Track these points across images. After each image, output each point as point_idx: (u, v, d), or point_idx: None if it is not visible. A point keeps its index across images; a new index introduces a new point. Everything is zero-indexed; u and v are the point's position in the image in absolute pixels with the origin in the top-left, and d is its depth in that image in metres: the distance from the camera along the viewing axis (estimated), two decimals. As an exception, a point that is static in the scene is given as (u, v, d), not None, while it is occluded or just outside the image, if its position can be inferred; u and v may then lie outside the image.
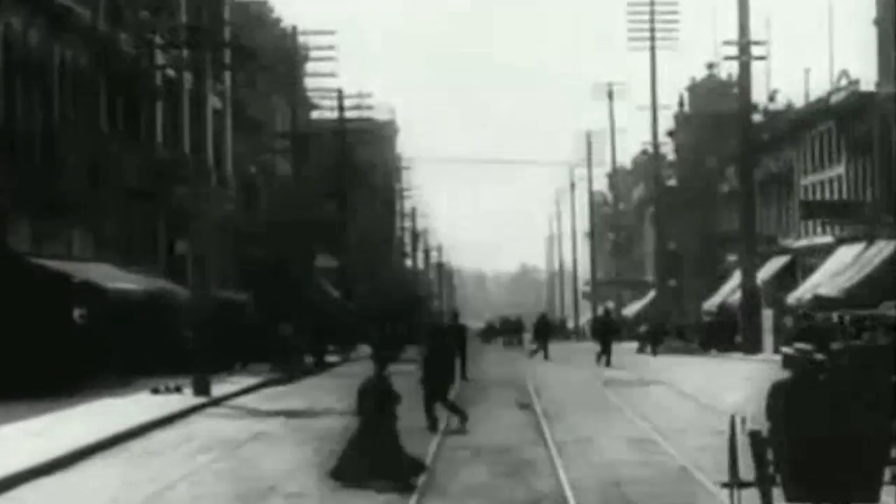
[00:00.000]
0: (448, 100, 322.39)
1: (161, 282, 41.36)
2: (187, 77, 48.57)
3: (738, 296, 61.33)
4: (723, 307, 67.33)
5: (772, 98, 71.39)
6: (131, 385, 32.55)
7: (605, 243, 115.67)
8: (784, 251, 64.73)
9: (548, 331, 58.16)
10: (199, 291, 31.31)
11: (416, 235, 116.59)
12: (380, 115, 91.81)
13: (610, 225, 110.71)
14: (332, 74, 56.99)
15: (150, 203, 44.65)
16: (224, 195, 54.77)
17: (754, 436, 12.71)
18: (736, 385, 33.27)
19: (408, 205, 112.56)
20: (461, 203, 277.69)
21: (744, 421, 12.97)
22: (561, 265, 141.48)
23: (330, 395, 32.52)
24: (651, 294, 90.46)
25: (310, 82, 60.50)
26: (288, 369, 41.33)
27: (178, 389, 31.18)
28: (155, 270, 43.64)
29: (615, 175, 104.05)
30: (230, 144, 57.29)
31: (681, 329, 68.06)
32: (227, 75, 56.93)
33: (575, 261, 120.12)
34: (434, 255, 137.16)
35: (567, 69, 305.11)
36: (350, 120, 65.55)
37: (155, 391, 31.08)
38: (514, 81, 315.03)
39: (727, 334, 57.66)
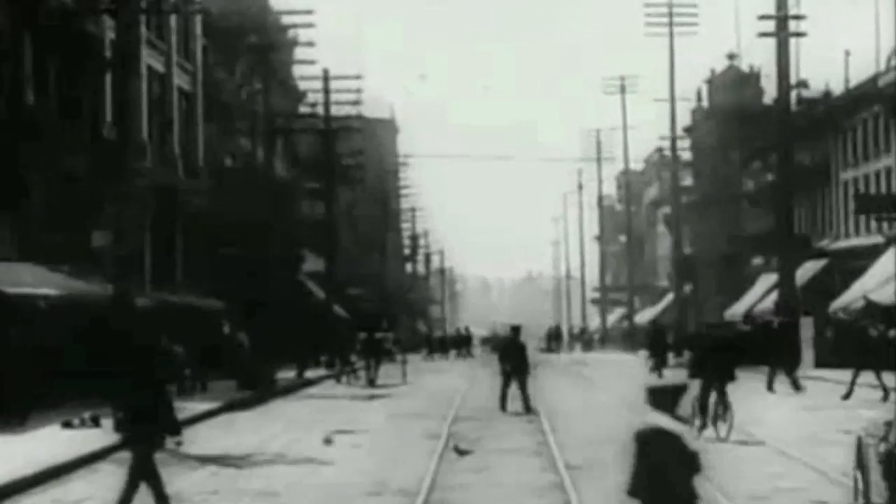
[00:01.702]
0: (448, 97, 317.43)
1: (102, 285, 34.69)
2: (143, 50, 42.43)
3: (767, 303, 55.25)
4: (749, 315, 61.26)
5: (803, 84, 64.81)
6: (43, 415, 25.75)
7: (615, 247, 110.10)
8: (821, 254, 58.43)
9: (665, 345, 49.35)
10: (121, 296, 24.42)
11: (415, 237, 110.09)
12: (378, 114, 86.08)
13: (620, 227, 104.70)
14: (310, 44, 50.63)
15: (95, 192, 38.12)
16: (194, 187, 48.45)
17: (890, 456, 11.89)
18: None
19: (408, 206, 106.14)
20: (464, 207, 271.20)
21: (884, 438, 12.05)
22: (568, 270, 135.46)
23: (292, 429, 25.82)
24: (666, 300, 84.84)
25: (293, 61, 54.13)
26: (250, 386, 34.89)
27: (94, 421, 24.37)
28: (100, 272, 37.17)
29: (626, 174, 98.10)
30: (201, 130, 50.97)
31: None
32: (199, 55, 50.78)
33: (583, 265, 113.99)
34: (436, 259, 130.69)
35: (577, 62, 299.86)
36: (340, 106, 58.88)
37: (67, 424, 24.33)
38: (519, 78, 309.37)
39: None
